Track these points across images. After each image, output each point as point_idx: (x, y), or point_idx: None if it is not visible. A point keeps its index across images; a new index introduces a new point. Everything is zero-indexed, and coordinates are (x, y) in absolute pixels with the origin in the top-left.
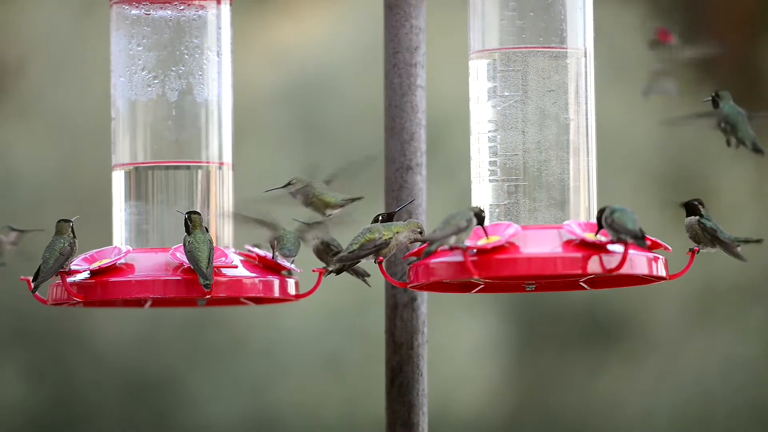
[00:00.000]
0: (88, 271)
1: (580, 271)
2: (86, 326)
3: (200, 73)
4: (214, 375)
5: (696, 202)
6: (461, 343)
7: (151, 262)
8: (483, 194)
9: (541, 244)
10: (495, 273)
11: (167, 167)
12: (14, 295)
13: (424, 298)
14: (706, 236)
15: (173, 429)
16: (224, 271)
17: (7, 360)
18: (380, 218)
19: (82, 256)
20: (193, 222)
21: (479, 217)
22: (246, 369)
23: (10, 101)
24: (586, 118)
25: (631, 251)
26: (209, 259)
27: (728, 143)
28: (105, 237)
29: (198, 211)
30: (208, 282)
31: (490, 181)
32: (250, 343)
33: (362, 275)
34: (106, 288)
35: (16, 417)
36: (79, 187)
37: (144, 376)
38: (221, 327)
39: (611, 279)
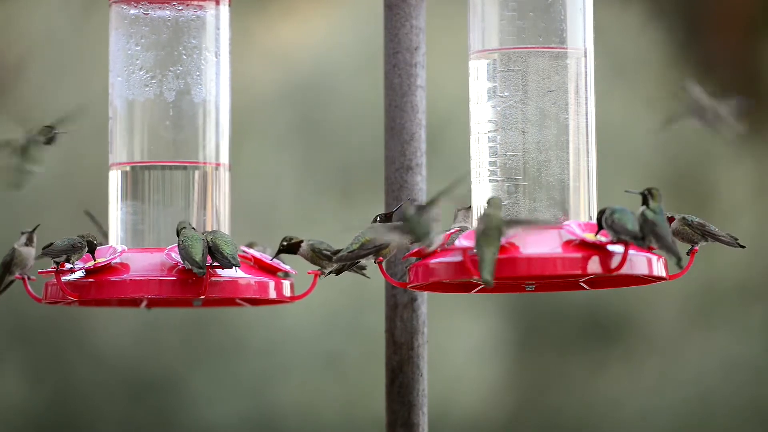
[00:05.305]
0: (83, 270)
1: (580, 272)
2: (86, 326)
3: (198, 73)
4: (214, 375)
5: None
6: (461, 344)
7: (146, 262)
8: (483, 194)
9: (541, 244)
10: (495, 273)
11: (164, 167)
12: (14, 295)
13: (424, 298)
14: (696, 233)
15: (173, 429)
16: (219, 271)
17: (7, 360)
18: (379, 218)
19: None
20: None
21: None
22: (246, 369)
23: (10, 101)
24: (586, 118)
25: (631, 251)
26: (203, 252)
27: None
28: None
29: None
30: (202, 270)
31: (490, 181)
32: (250, 343)
33: (359, 268)
34: (101, 287)
35: (16, 417)
36: (79, 187)
37: (144, 376)
38: (221, 327)
39: (611, 279)
